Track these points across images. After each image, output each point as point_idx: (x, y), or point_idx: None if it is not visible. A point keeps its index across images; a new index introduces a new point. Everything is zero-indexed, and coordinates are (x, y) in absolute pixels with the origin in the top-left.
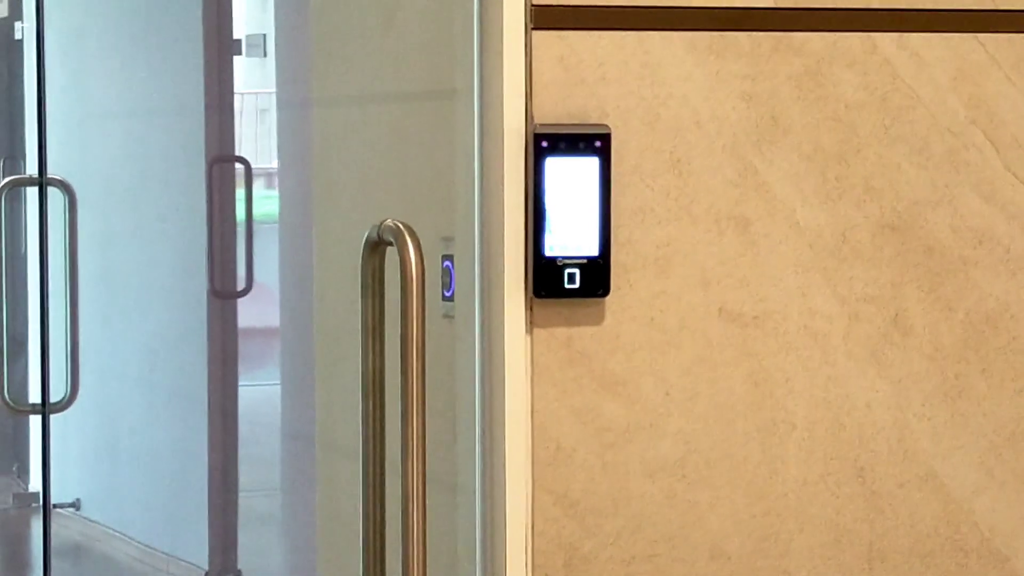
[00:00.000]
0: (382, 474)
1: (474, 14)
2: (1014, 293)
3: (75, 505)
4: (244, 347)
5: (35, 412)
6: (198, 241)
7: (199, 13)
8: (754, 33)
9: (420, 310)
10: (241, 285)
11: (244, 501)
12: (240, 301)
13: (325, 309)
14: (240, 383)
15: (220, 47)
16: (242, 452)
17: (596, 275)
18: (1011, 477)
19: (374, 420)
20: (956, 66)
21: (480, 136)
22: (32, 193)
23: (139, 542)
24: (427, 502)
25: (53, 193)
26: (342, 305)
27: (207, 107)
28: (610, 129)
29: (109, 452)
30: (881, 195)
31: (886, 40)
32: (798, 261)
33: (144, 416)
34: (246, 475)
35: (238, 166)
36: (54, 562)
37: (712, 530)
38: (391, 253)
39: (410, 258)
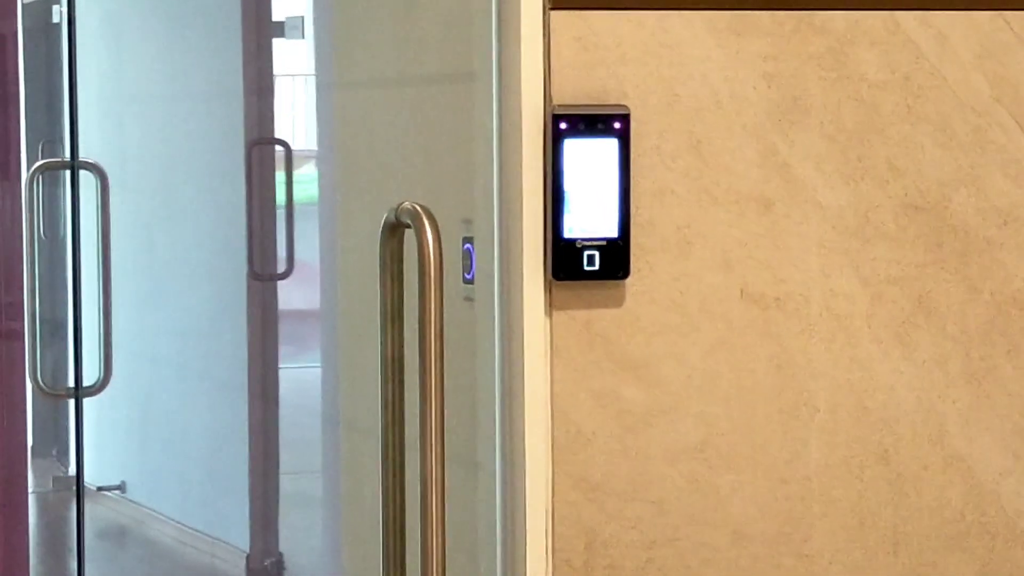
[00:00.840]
0: (402, 458)
1: None
2: None
3: (120, 488)
4: (287, 329)
5: (68, 396)
6: (238, 224)
7: None
8: (775, 12)
9: (438, 293)
10: (282, 267)
11: (286, 484)
12: (283, 283)
13: (350, 291)
14: (283, 365)
15: (259, 29)
16: (284, 435)
17: (616, 257)
18: None
19: (393, 404)
20: (980, 44)
21: (498, 118)
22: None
23: (183, 524)
24: (448, 483)
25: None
26: (367, 287)
27: (246, 90)
28: (629, 110)
29: (152, 435)
30: (904, 175)
31: (909, 18)
32: (821, 242)
33: (186, 399)
34: (288, 458)
35: (278, 148)
36: (100, 544)
37: (734, 514)
38: (411, 236)
39: (428, 240)
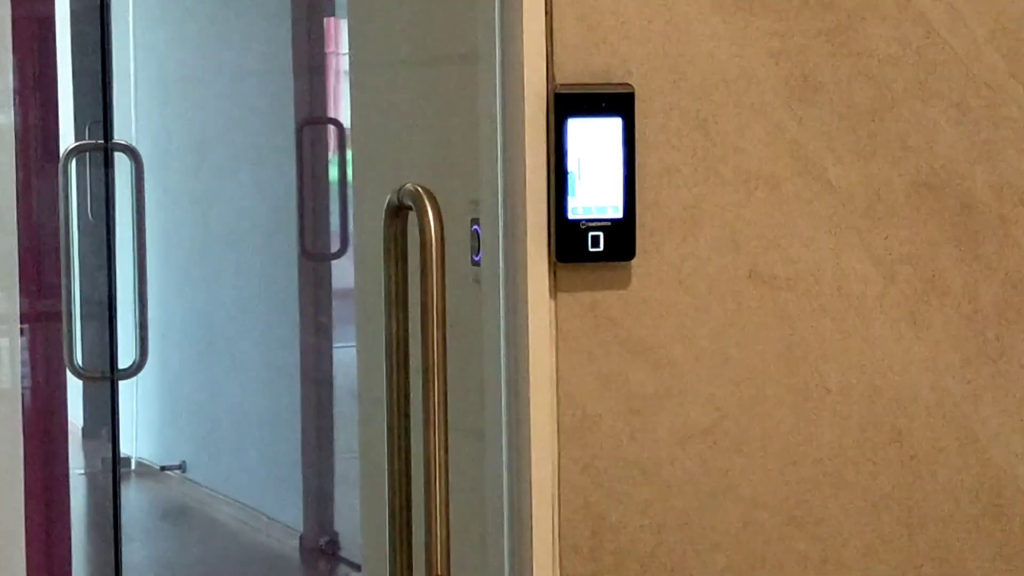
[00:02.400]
0: (407, 442)
1: None
2: None
3: (181, 467)
4: (345, 309)
5: (104, 378)
6: (289, 203)
7: None
8: None
9: (440, 276)
10: (336, 246)
11: (342, 465)
12: (338, 263)
13: (365, 272)
14: (339, 344)
15: (309, 7)
16: (339, 415)
17: (621, 238)
18: None
19: (398, 388)
20: (994, 18)
21: (501, 97)
22: (120, 159)
23: (242, 503)
24: (457, 459)
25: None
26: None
27: (296, 69)
28: (633, 88)
29: (211, 415)
30: (917, 152)
31: None
32: (831, 221)
33: (243, 379)
34: (344, 438)
35: (331, 127)
36: (161, 523)
37: (745, 498)
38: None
39: (429, 223)
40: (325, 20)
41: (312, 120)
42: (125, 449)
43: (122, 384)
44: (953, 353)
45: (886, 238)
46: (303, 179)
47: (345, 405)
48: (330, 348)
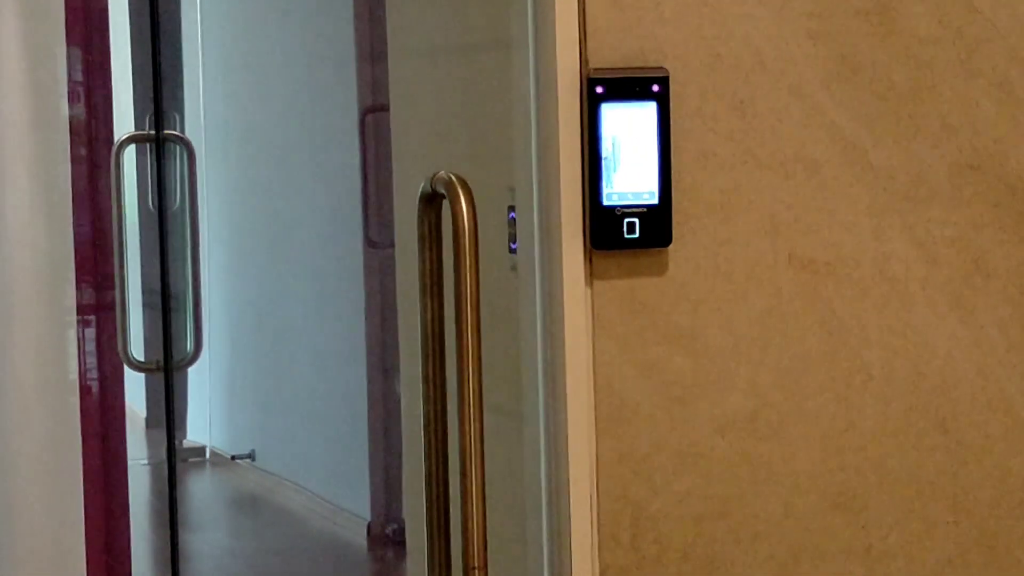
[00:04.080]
0: (445, 433)
1: None
2: None
3: (251, 456)
4: None
5: (158, 369)
6: (353, 191)
7: None
8: None
9: (474, 265)
10: None
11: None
12: None
13: (405, 259)
14: None
15: None
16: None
17: (657, 224)
18: None
19: (434, 378)
20: None
21: (535, 83)
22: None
23: (310, 491)
24: (495, 444)
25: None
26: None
27: (359, 57)
28: (668, 72)
29: (280, 404)
30: (959, 133)
31: None
32: (872, 204)
33: (311, 367)
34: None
35: None
36: (232, 511)
37: (786, 487)
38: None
39: (462, 211)
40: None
41: (375, 107)
42: (200, 438)
43: (194, 374)
44: (998, 337)
45: (928, 221)
46: (367, 167)
47: None
48: (395, 336)
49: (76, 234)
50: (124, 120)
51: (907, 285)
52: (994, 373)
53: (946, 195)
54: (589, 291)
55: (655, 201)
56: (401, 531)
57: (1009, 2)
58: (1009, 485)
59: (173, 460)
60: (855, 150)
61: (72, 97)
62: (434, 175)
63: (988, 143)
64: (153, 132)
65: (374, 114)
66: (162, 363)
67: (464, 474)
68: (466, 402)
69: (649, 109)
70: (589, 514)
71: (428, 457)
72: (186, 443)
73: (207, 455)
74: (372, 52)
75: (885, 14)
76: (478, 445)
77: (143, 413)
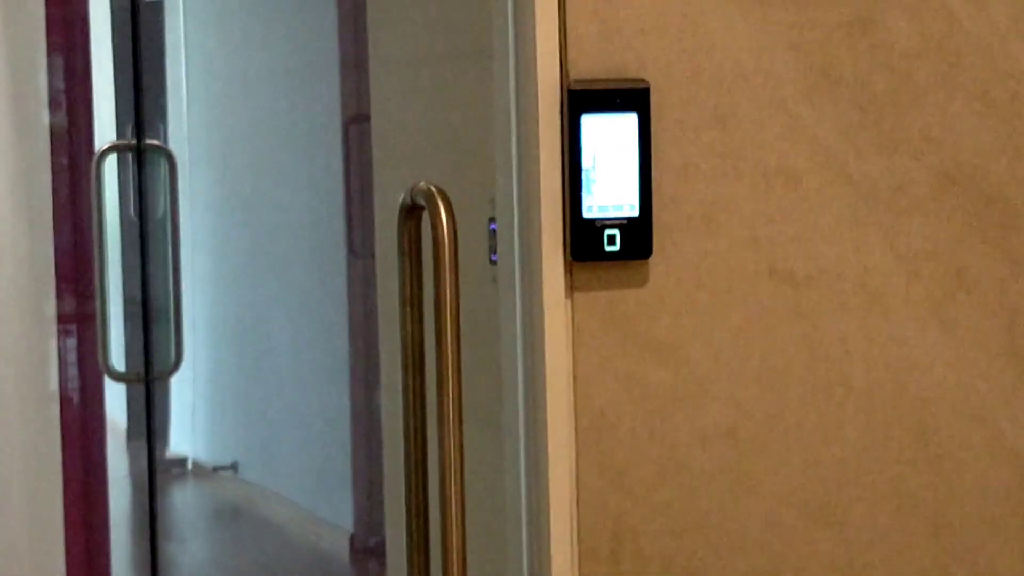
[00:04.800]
0: (424, 445)
1: None
2: None
3: (233, 467)
4: None
5: (138, 380)
6: (336, 202)
7: None
8: None
9: (454, 276)
10: None
11: None
12: None
13: (385, 270)
14: None
15: (354, 5)
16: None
17: (638, 235)
18: None
19: (414, 390)
20: (1019, 8)
21: (515, 95)
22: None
23: (293, 503)
24: (476, 473)
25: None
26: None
27: (342, 67)
28: (649, 83)
29: (262, 415)
30: (940, 145)
31: None
32: (853, 216)
33: (293, 379)
34: None
35: None
36: (214, 523)
37: (766, 499)
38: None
39: (442, 222)
40: None
41: (359, 117)
42: (183, 450)
43: (176, 384)
44: (979, 350)
45: (909, 233)
46: (350, 177)
47: None
48: (379, 347)
49: (57, 244)
50: (108, 130)
51: (888, 298)
52: (975, 386)
53: (927, 207)
54: (569, 303)
55: (636, 213)
56: (384, 543)
57: (990, 15)
58: (990, 498)
59: (154, 471)
60: (836, 162)
61: (53, 106)
62: (414, 186)
63: (969, 155)
64: (134, 142)
65: (358, 124)
66: (143, 374)
67: (444, 486)
68: (446, 414)
69: (630, 120)
70: (569, 526)
71: (408, 469)
72: (168, 454)
73: (189, 466)
74: (356, 62)
75: (866, 26)
76: (458, 457)
77: (124, 424)
